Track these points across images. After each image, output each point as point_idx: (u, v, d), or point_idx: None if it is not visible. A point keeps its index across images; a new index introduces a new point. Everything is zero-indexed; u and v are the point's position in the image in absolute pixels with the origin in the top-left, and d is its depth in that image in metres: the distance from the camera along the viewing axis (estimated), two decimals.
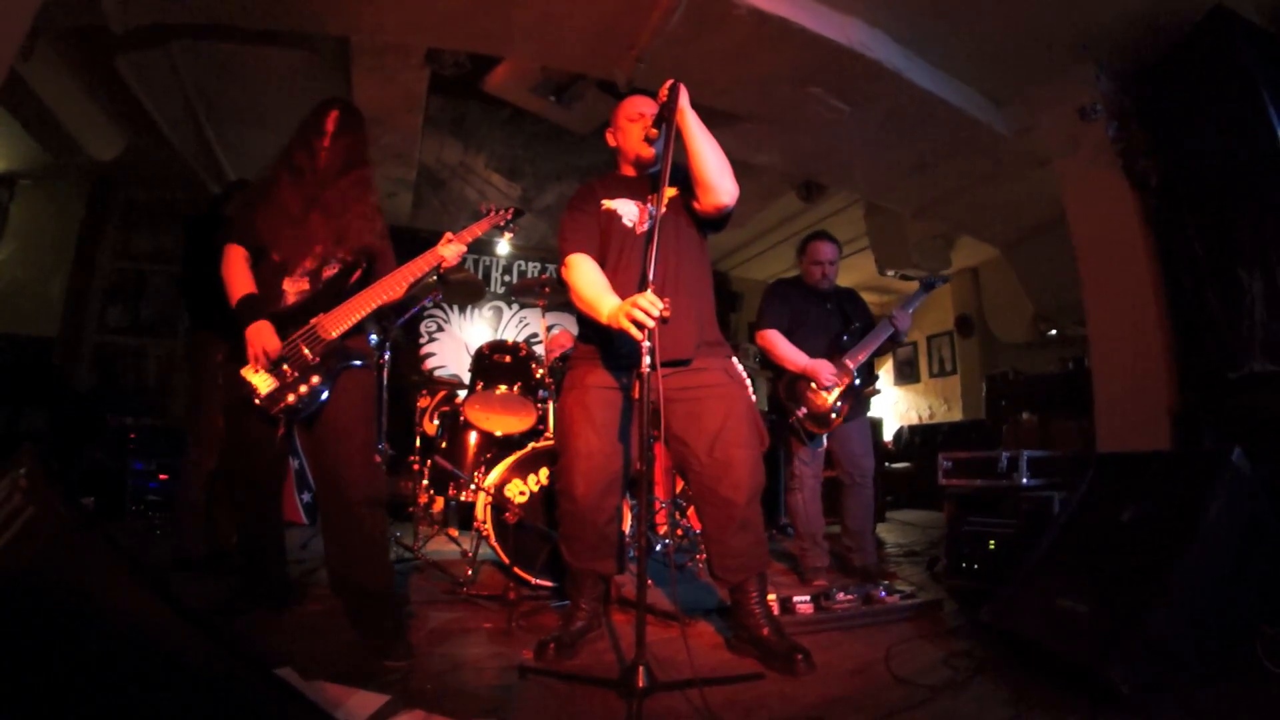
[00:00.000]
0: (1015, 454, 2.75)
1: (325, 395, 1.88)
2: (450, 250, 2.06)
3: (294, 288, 1.97)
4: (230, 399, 1.92)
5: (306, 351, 1.87)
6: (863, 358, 2.98)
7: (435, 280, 3.02)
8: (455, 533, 3.59)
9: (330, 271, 2.00)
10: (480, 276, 6.78)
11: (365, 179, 2.08)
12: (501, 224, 2.27)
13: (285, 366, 1.85)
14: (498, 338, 6.26)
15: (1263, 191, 2.61)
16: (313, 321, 1.90)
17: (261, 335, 1.85)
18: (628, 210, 2.05)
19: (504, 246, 6.88)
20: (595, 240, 2.01)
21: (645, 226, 2.02)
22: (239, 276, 1.96)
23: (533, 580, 2.56)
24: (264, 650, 1.74)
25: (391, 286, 1.98)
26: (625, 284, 1.91)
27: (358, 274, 2.02)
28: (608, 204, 2.05)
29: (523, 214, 2.37)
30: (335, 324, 1.91)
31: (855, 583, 2.69)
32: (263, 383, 1.85)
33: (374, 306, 1.96)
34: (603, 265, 1.96)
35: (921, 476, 6.08)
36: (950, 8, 3.08)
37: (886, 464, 6.22)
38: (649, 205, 2.05)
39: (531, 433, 3.14)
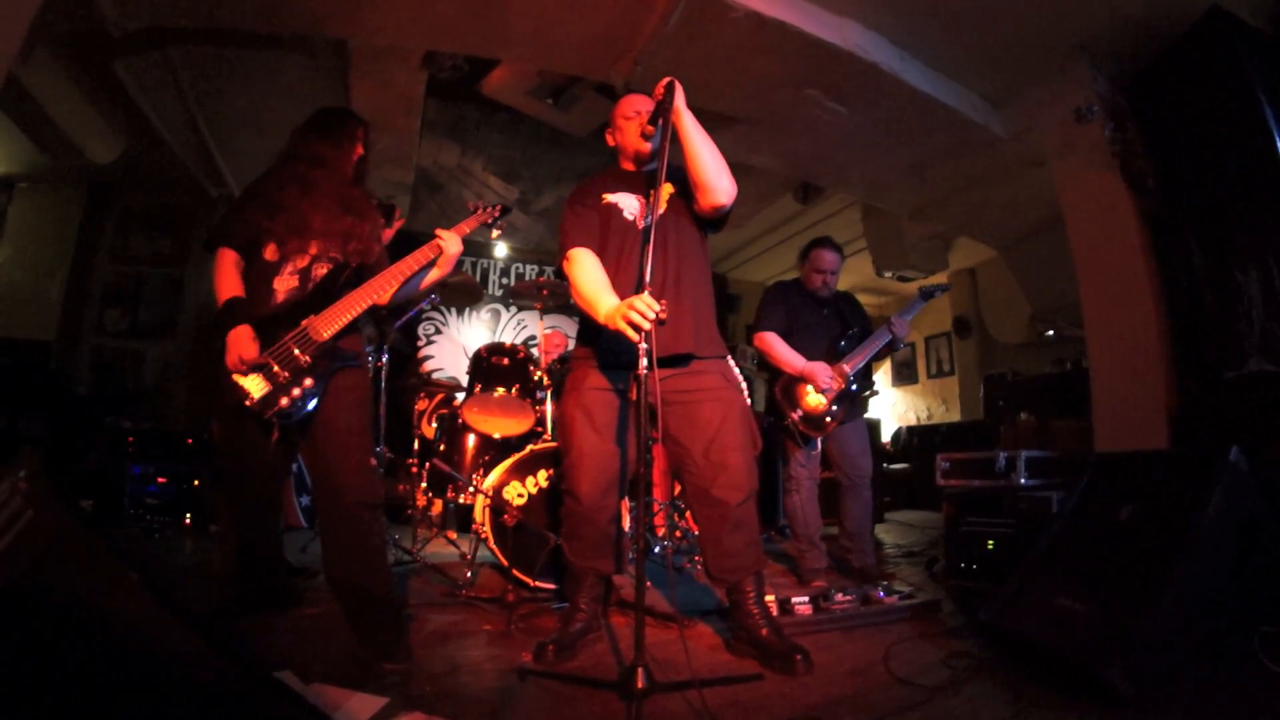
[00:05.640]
0: (1013, 454, 2.74)
1: (318, 398, 1.87)
2: (450, 243, 2.08)
3: (284, 286, 1.95)
4: (224, 404, 1.90)
5: (298, 354, 1.84)
6: (860, 362, 2.99)
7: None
8: (454, 535, 3.59)
9: (321, 271, 1.98)
10: (478, 279, 6.78)
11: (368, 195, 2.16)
12: (489, 220, 2.28)
13: (277, 369, 1.83)
14: (496, 340, 6.30)
15: (1259, 192, 2.61)
16: (304, 323, 1.88)
17: (239, 342, 1.83)
18: (629, 204, 2.05)
19: (501, 249, 6.89)
20: (596, 234, 2.01)
21: (646, 220, 2.02)
22: (228, 280, 1.95)
23: (531, 582, 2.56)
24: (263, 653, 1.74)
25: (383, 285, 1.97)
26: (626, 279, 1.92)
27: (347, 274, 2.01)
28: (608, 197, 2.05)
29: (510, 210, 2.39)
30: (327, 325, 1.89)
31: (854, 583, 2.70)
32: (255, 387, 1.82)
33: (365, 306, 1.94)
34: (603, 258, 1.96)
35: (920, 477, 6.08)
36: (947, 10, 3.09)
37: (885, 465, 6.22)
38: (649, 200, 2.04)
39: (530, 435, 3.14)
